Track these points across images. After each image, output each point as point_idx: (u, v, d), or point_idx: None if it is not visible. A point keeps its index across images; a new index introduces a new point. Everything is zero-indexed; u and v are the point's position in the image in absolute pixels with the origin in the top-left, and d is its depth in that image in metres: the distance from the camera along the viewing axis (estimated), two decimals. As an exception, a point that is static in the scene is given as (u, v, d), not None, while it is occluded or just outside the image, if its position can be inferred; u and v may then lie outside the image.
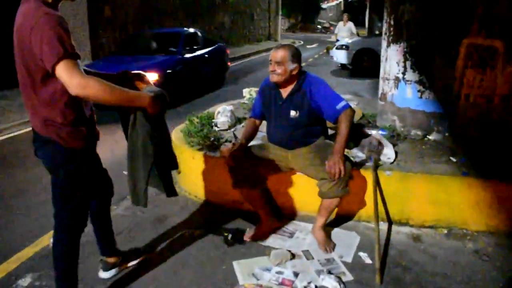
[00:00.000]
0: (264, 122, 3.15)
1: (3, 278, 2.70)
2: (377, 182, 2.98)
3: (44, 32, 1.77)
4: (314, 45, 22.92)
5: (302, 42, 25.19)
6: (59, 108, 1.93)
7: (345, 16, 12.94)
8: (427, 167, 3.13)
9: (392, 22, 3.88)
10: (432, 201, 3.01)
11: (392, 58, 3.94)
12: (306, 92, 2.83)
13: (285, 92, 2.90)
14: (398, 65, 3.88)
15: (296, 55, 2.81)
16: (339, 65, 11.96)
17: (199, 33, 9.94)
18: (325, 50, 18.00)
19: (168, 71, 7.85)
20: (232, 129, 4.30)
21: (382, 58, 4.14)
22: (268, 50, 19.84)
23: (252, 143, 3.13)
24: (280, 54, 2.79)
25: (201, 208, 3.56)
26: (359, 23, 20.25)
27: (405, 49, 3.79)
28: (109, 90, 1.87)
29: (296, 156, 2.93)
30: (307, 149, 2.91)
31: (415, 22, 3.71)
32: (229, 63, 11.11)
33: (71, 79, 1.78)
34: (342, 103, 2.75)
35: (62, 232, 2.21)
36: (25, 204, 3.81)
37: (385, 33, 4.01)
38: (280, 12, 27.19)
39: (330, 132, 3.24)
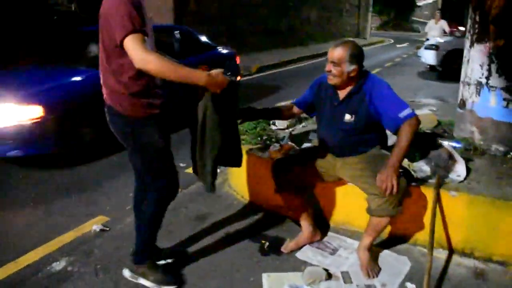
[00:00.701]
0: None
1: (41, 259, 2.77)
2: (437, 203, 2.57)
3: (117, 9, 1.93)
4: (404, 44, 21.71)
5: (392, 41, 24.04)
6: (124, 80, 2.07)
7: (437, 13, 11.95)
8: (503, 190, 2.64)
9: (477, 18, 3.36)
10: (505, 232, 2.51)
11: (474, 60, 3.42)
12: (365, 95, 2.51)
13: (342, 93, 2.60)
14: (482, 68, 3.36)
15: (356, 55, 2.49)
16: (428, 66, 11.08)
17: (177, 33, 6.18)
18: (415, 50, 16.93)
19: (65, 101, 4.39)
20: (291, 129, 4.06)
21: (464, 60, 3.62)
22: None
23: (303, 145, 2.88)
24: (337, 53, 2.49)
25: (245, 210, 3.38)
26: (457, 23, 18.72)
27: (491, 50, 3.27)
28: (169, 66, 1.96)
29: (346, 165, 2.63)
30: (359, 159, 2.59)
31: (504, 17, 3.17)
32: (239, 78, 7.60)
33: (135, 53, 1.91)
34: (406, 111, 2.39)
35: (150, 198, 2.36)
36: (79, 187, 3.93)
37: (469, 31, 3.49)
38: (370, 9, 26.12)
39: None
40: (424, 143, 3.40)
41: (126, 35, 1.91)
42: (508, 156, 3.26)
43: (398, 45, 21.49)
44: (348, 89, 2.57)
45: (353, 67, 2.48)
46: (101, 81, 2.20)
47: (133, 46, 1.91)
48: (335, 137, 2.64)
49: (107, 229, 3.15)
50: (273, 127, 4.09)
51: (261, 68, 12.07)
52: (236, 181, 3.70)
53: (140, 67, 1.93)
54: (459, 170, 2.86)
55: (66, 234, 3.10)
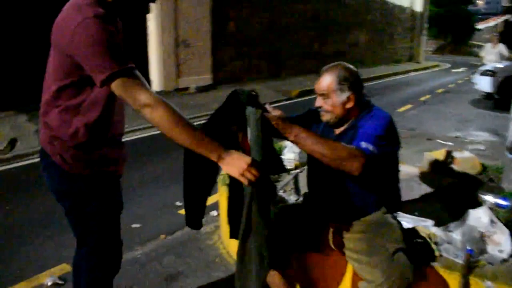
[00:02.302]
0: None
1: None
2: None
3: (92, 38, 1.39)
4: (461, 69, 20.37)
5: (448, 66, 22.71)
6: (77, 123, 1.55)
7: (494, 37, 10.87)
8: None
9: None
10: None
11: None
12: (357, 130, 1.84)
13: (339, 130, 1.96)
14: (539, 104, 2.59)
15: (347, 79, 1.84)
16: (484, 93, 10.00)
17: None
18: (472, 75, 15.76)
19: None
20: (298, 170, 3.40)
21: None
22: (407, 72, 18.06)
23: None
24: (323, 82, 1.86)
25: (226, 268, 2.76)
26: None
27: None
28: (184, 123, 1.44)
29: (338, 233, 1.96)
30: (355, 226, 1.91)
31: None
32: None
33: (136, 95, 1.41)
34: (366, 145, 1.68)
35: (85, 275, 1.82)
36: (35, 235, 3.33)
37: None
38: (425, 32, 24.89)
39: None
40: (459, 199, 2.66)
41: (112, 78, 1.40)
42: None
43: (454, 70, 20.19)
44: (346, 125, 1.92)
45: (346, 94, 1.84)
46: (40, 115, 1.64)
47: (129, 89, 1.42)
48: (327, 191, 1.99)
49: (62, 282, 2.64)
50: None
51: (302, 92, 11.48)
52: (226, 231, 3.08)
53: (144, 114, 1.43)
54: (502, 242, 2.10)
55: (16, 286, 2.62)
